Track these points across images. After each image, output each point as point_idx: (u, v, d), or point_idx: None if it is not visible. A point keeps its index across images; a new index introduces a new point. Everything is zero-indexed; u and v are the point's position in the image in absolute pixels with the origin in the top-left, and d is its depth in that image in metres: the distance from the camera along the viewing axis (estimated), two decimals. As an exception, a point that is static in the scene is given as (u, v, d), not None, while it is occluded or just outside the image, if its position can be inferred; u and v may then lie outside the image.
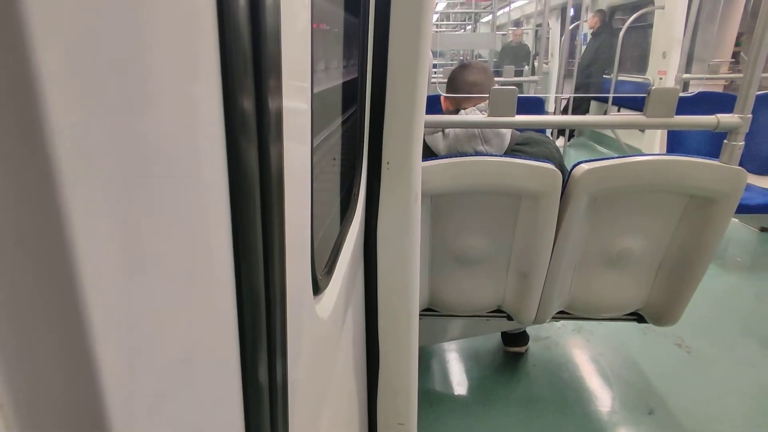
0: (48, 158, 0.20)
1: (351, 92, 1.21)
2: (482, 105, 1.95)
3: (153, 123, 0.27)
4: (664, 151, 4.05)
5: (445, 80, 2.16)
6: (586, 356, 2.69)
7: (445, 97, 2.07)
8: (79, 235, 0.21)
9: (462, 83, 2.04)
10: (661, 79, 5.58)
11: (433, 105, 1.92)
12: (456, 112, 2.01)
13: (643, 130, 5.61)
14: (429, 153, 1.96)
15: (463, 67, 2.13)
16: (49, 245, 0.22)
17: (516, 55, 9.49)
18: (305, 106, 0.57)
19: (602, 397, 2.38)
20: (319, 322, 0.66)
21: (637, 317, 2.10)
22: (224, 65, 0.34)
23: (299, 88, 0.54)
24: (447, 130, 1.93)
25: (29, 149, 0.20)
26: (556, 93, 6.91)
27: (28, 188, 0.20)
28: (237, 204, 0.36)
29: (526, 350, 2.70)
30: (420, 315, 1.78)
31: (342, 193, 1.16)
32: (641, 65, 6.79)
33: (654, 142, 4.85)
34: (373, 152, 1.23)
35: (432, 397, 2.35)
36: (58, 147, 0.20)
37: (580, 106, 8.09)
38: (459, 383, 2.49)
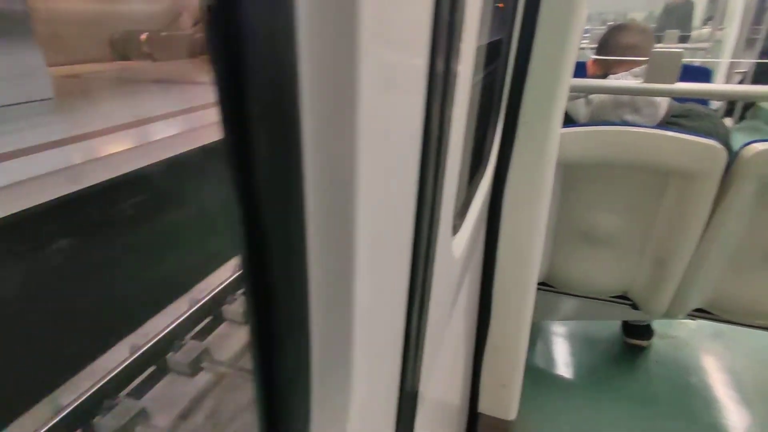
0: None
1: (495, 47, 1.18)
2: (637, 70, 1.75)
3: (397, 98, 0.33)
4: None
5: (593, 46, 1.98)
6: (723, 365, 2.38)
7: (594, 60, 1.90)
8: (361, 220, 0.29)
9: (615, 46, 1.85)
10: None
11: (578, 72, 1.79)
12: (604, 77, 1.84)
13: None
14: (567, 120, 1.84)
15: (618, 27, 1.92)
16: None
17: (681, 16, 8.10)
18: (470, 63, 0.60)
19: (737, 415, 2.09)
20: (453, 259, 0.71)
21: None
22: (434, 37, 0.39)
23: (470, 46, 0.57)
24: (591, 96, 1.79)
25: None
26: (732, 62, 5.76)
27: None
28: (426, 151, 0.42)
29: (649, 345, 2.47)
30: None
31: (476, 144, 1.16)
32: None
33: None
34: (511, 111, 1.21)
35: (537, 375, 2.31)
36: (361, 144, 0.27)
37: (761, 79, 6.70)
38: (567, 365, 2.40)
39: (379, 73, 0.30)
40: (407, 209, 0.42)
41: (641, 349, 2.47)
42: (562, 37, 1.11)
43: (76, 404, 1.78)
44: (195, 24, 10.92)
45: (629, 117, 1.70)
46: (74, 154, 4.34)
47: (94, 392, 1.84)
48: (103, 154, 4.41)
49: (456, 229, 0.75)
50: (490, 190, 1.23)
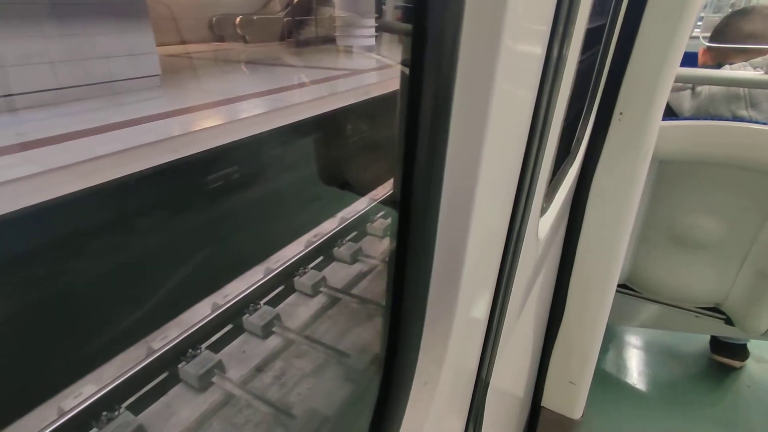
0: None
1: (598, 29, 1.12)
2: (758, 60, 1.56)
3: (517, 86, 0.37)
4: None
5: (706, 35, 1.79)
6: (832, 401, 2.10)
7: (707, 48, 1.72)
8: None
9: (734, 33, 1.66)
10: None
11: (686, 62, 1.63)
12: (717, 67, 1.66)
13: None
14: (668, 113, 1.69)
15: (741, 12, 1.72)
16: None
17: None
18: (578, 49, 0.59)
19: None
20: (537, 240, 0.69)
21: None
22: (554, 26, 0.40)
23: (580, 32, 0.57)
24: (699, 88, 1.62)
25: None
26: None
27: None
28: (532, 133, 0.43)
29: (742, 367, 2.24)
30: (614, 288, 1.64)
31: (567, 127, 1.11)
32: None
33: None
34: (607, 99, 1.14)
35: (607, 380, 2.19)
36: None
37: None
38: (642, 375, 2.25)
39: (509, 64, 0.32)
40: (511, 184, 0.43)
41: (732, 370, 2.24)
42: (673, 22, 1.02)
43: (164, 350, 1.98)
44: (284, 9, 11.38)
45: (743, 112, 1.52)
46: (174, 126, 4.76)
47: (179, 341, 2.04)
48: (198, 128, 4.80)
49: (543, 210, 0.73)
50: (576, 178, 1.17)
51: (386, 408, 0.42)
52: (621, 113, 1.14)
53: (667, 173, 1.56)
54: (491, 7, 0.29)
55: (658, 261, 1.74)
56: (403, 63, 0.31)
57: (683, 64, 1.82)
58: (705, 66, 1.75)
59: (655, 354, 2.43)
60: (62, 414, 1.67)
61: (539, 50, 0.39)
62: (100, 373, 2.00)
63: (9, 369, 2.24)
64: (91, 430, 1.66)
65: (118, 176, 3.56)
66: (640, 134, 1.14)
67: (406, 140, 0.32)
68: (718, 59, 1.69)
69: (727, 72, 1.53)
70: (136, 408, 1.79)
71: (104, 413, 1.70)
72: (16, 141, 4.27)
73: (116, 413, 1.72)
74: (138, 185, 3.60)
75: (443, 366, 0.41)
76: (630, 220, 1.23)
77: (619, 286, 1.91)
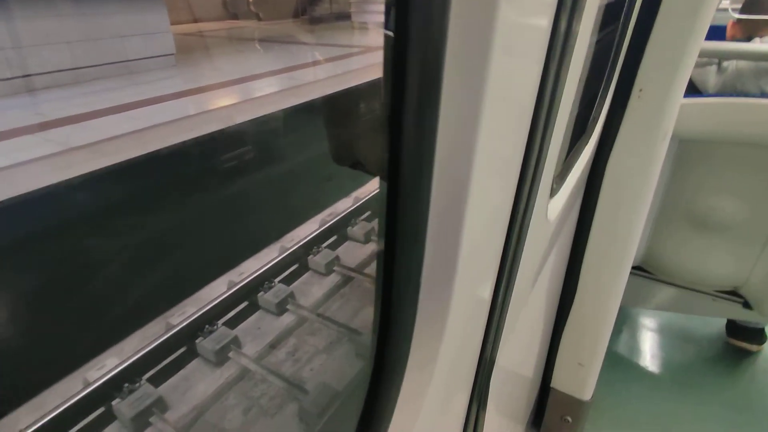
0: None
1: (614, 4, 1.07)
2: (791, 33, 1.49)
3: (519, 57, 0.36)
4: None
5: (735, 6, 1.70)
6: None
7: (736, 21, 1.64)
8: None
9: None
10: None
11: (712, 36, 1.55)
12: (747, 40, 1.58)
13: None
14: (691, 89, 1.63)
15: (774, -19, 1.63)
16: None
17: None
18: (591, 23, 0.57)
19: None
20: (547, 222, 0.68)
21: None
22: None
23: (592, 4, 0.54)
24: (725, 63, 1.55)
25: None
26: None
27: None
28: (537, 109, 0.42)
29: (759, 350, 2.20)
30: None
31: (583, 105, 1.08)
32: None
33: None
34: (626, 75, 1.09)
35: (618, 361, 2.18)
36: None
37: None
38: (654, 357, 2.23)
39: (508, 33, 0.31)
40: (514, 164, 0.42)
41: (749, 354, 2.21)
42: None
43: (182, 326, 2.04)
44: (298, -16, 11.20)
45: (772, 88, 1.46)
46: (190, 106, 4.79)
47: (197, 317, 2.09)
48: (213, 107, 4.82)
49: (554, 192, 0.72)
50: (592, 157, 1.14)
51: (380, 389, 0.43)
52: (641, 90, 1.10)
53: (688, 153, 1.51)
54: None
55: (676, 243, 1.70)
56: (388, 30, 0.30)
57: (709, 38, 1.74)
58: (734, 40, 1.67)
59: (668, 337, 2.40)
60: (87, 384, 1.74)
61: (545, 21, 0.38)
62: (121, 346, 2.07)
63: (42, 336, 2.34)
64: (113, 400, 1.73)
65: (136, 155, 3.61)
66: (661, 112, 1.10)
67: (393, 114, 0.31)
68: (749, 32, 1.61)
69: (757, 45, 1.46)
70: (156, 380, 1.86)
71: (126, 385, 1.77)
72: (36, 121, 4.35)
73: (137, 385, 1.78)
74: (155, 163, 3.65)
75: (440, 346, 0.41)
76: (647, 202, 1.20)
77: (633, 268, 1.89)
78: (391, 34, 0.29)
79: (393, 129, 0.31)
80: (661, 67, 1.06)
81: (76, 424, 1.67)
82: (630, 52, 1.07)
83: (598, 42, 1.11)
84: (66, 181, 3.22)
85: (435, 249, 0.35)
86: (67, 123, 4.22)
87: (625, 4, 1.00)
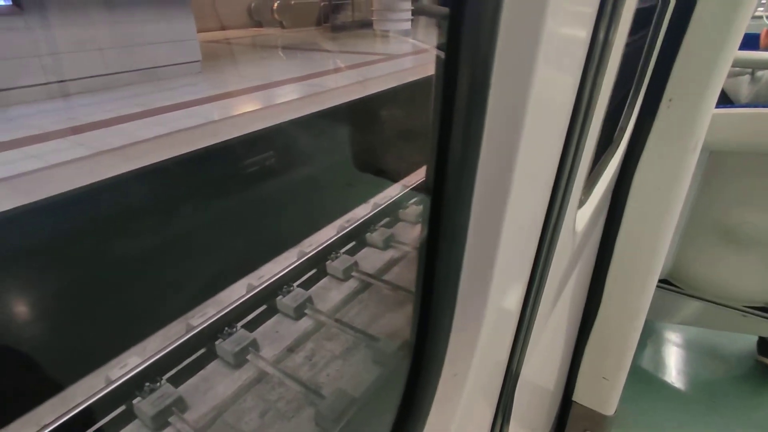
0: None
1: (644, 11, 1.06)
2: (829, 42, 1.44)
3: (559, 70, 0.37)
4: None
5: (768, 14, 1.65)
6: None
7: (770, 29, 1.60)
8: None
9: None
10: None
11: (746, 45, 1.51)
12: (780, 50, 1.54)
13: None
14: (722, 99, 1.59)
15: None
16: None
17: None
18: (625, 33, 0.57)
19: None
20: (574, 233, 0.67)
21: None
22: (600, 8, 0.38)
23: (628, 17, 0.54)
24: (759, 73, 1.51)
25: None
26: None
27: None
28: (573, 122, 0.42)
29: (791, 371, 2.12)
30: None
31: (610, 115, 1.06)
32: None
33: None
34: (655, 84, 1.07)
35: (643, 377, 2.12)
36: None
37: None
38: (681, 374, 2.16)
39: (552, 47, 0.31)
40: (549, 173, 0.42)
41: (780, 374, 2.12)
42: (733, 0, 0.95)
43: (202, 327, 2.07)
44: (321, -8, 11.38)
45: (809, 99, 1.41)
46: (214, 111, 4.90)
47: (216, 319, 2.12)
48: (236, 113, 4.92)
49: (581, 202, 0.71)
50: (618, 168, 1.12)
51: (414, 397, 0.43)
52: (670, 100, 1.08)
53: (719, 164, 1.47)
54: None
55: (704, 256, 1.65)
56: (440, 45, 0.31)
57: (743, 46, 1.70)
58: None
59: (695, 353, 2.33)
60: (110, 382, 1.78)
61: (584, 33, 0.38)
62: (144, 345, 2.12)
63: (71, 326, 2.40)
64: (135, 398, 1.76)
65: (164, 158, 3.70)
66: (691, 123, 1.07)
67: (440, 124, 0.32)
68: (783, 41, 1.57)
69: (792, 55, 1.42)
70: (176, 380, 1.89)
71: (147, 384, 1.80)
72: (69, 125, 4.51)
73: (158, 384, 1.81)
74: (181, 167, 3.73)
75: (473, 357, 0.41)
76: (675, 214, 1.18)
77: (660, 281, 1.84)
78: (442, 52, 0.30)
79: (441, 140, 0.32)
80: (692, 77, 1.04)
81: (98, 421, 1.70)
82: (660, 61, 1.05)
83: (626, 50, 1.09)
84: (96, 182, 3.32)
85: (473, 259, 0.35)
86: (98, 127, 4.36)
87: (656, 13, 0.99)
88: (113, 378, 1.80)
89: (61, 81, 5.43)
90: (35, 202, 3.12)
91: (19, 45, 5.11)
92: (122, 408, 1.75)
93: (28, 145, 3.94)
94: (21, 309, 2.62)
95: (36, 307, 2.66)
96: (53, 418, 1.62)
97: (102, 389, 1.74)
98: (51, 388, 1.87)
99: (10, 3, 5.07)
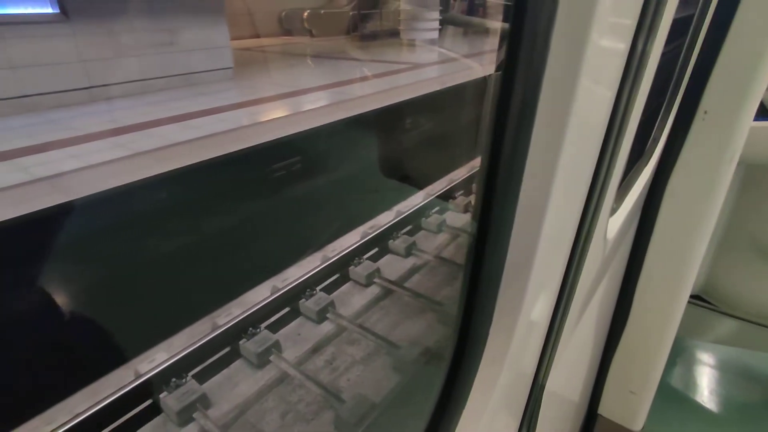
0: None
1: (681, 22, 1.04)
2: None
3: (598, 82, 0.38)
4: None
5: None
6: None
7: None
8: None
9: None
10: None
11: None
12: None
13: None
14: (762, 112, 1.54)
15: None
16: None
17: None
18: (662, 44, 0.57)
19: None
20: (605, 241, 0.67)
21: None
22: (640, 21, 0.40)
23: (665, 28, 0.55)
24: (800, 85, 1.47)
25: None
26: None
27: None
28: (609, 130, 0.43)
29: (833, 397, 2.01)
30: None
31: (643, 124, 1.05)
32: None
33: None
34: (690, 96, 1.06)
35: (675, 396, 2.04)
36: None
37: None
38: (713, 394, 2.08)
39: (593, 61, 0.32)
40: (585, 181, 0.43)
41: (820, 400, 2.02)
42: None
43: (227, 326, 2.11)
44: (350, 2, 11.55)
45: None
46: (244, 117, 5.02)
47: (241, 319, 2.16)
48: (266, 119, 5.03)
49: (613, 211, 0.70)
50: (651, 179, 1.11)
51: (447, 405, 0.43)
52: (705, 112, 1.06)
53: (756, 178, 1.43)
54: (582, 2, 0.29)
55: (740, 273, 1.60)
56: (498, 63, 0.32)
57: None
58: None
59: (729, 373, 2.24)
60: (138, 376, 1.83)
61: (623, 45, 0.39)
62: (170, 342, 2.18)
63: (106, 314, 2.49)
64: (161, 393, 1.81)
65: (195, 161, 3.82)
66: (727, 136, 1.05)
67: (492, 135, 0.33)
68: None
69: (836, 67, 1.37)
70: (201, 378, 1.94)
71: (173, 380, 1.85)
72: (108, 127, 4.70)
73: (183, 380, 1.86)
74: (212, 170, 3.84)
75: (503, 368, 0.41)
76: (708, 228, 1.15)
77: (692, 296, 1.78)
78: (497, 68, 0.32)
79: (492, 150, 0.33)
80: (729, 89, 1.02)
81: (125, 414, 1.76)
82: (696, 73, 1.03)
83: (662, 61, 1.08)
84: (132, 182, 3.44)
85: (513, 262, 0.36)
86: (136, 129, 4.54)
87: (693, 24, 0.98)
88: (142, 372, 1.86)
89: (102, 86, 5.68)
90: (71, 201, 3.26)
91: (65, 51, 5.38)
92: (149, 402, 1.81)
93: (71, 146, 4.13)
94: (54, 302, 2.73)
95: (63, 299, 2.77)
96: (85, 408, 1.68)
97: (131, 382, 1.80)
98: (92, 372, 1.94)
99: (58, 11, 5.34)
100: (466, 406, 0.43)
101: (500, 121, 0.32)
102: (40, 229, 3.11)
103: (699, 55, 1.02)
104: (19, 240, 3.02)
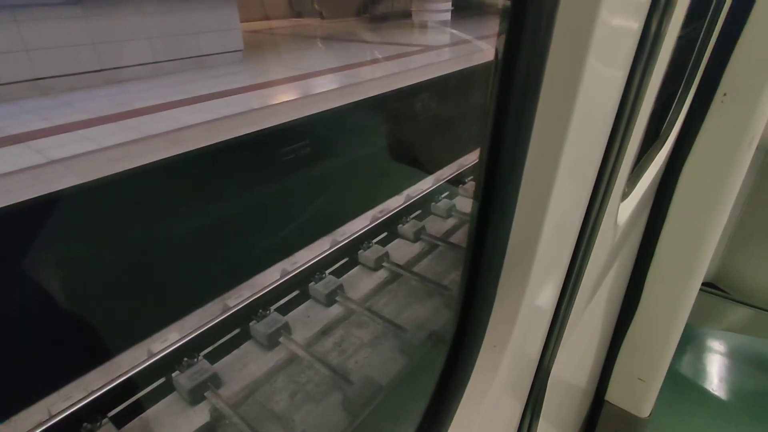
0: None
1: (698, 5, 1.00)
2: None
3: (609, 60, 0.36)
4: None
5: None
6: None
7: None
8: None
9: None
10: None
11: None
12: None
13: None
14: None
15: None
16: None
17: None
18: (678, 26, 0.55)
19: None
20: (616, 226, 0.66)
21: None
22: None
23: (681, 7, 0.53)
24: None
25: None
26: None
27: None
28: (621, 110, 0.41)
29: None
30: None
31: (658, 107, 1.02)
32: None
33: None
34: (709, 78, 1.02)
35: (684, 384, 2.03)
36: None
37: None
38: (723, 382, 2.06)
39: (603, 39, 0.31)
40: (594, 163, 0.42)
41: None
42: None
43: (238, 308, 2.14)
44: (360, -17, 11.37)
45: None
46: (254, 100, 5.01)
47: (251, 301, 2.19)
48: (275, 102, 5.01)
49: (625, 195, 0.69)
50: (665, 163, 1.08)
51: (448, 385, 0.43)
52: (725, 94, 1.03)
53: None
54: None
55: (754, 261, 1.57)
56: (498, 38, 0.31)
57: None
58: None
59: (740, 362, 2.21)
60: (151, 355, 1.87)
61: (636, 24, 0.37)
62: (182, 323, 2.22)
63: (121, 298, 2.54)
64: (173, 372, 1.85)
65: (205, 144, 3.83)
66: (746, 119, 1.02)
67: (494, 116, 0.32)
68: None
69: None
70: (212, 358, 1.97)
71: (185, 359, 1.89)
72: (120, 110, 4.72)
73: (195, 360, 1.90)
74: (222, 153, 3.85)
75: (506, 352, 0.41)
76: (723, 214, 1.12)
77: (704, 284, 1.76)
78: (499, 45, 0.30)
79: (494, 127, 0.32)
80: (751, 71, 0.98)
81: (139, 391, 1.81)
82: (715, 54, 1.00)
83: (679, 42, 1.04)
84: (142, 165, 3.48)
85: (516, 243, 0.35)
86: (147, 113, 4.56)
87: (713, 3, 0.94)
88: (155, 351, 1.90)
89: (114, 68, 5.69)
90: (83, 183, 3.30)
91: (77, 33, 5.39)
92: (162, 380, 1.85)
93: (84, 128, 4.16)
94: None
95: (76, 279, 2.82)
96: (101, 385, 1.73)
97: (144, 361, 1.84)
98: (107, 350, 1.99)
99: (69, -7, 5.34)
100: (467, 388, 0.43)
101: (503, 98, 0.31)
102: (53, 211, 3.16)
103: (719, 34, 0.99)
104: (34, 221, 3.08)
